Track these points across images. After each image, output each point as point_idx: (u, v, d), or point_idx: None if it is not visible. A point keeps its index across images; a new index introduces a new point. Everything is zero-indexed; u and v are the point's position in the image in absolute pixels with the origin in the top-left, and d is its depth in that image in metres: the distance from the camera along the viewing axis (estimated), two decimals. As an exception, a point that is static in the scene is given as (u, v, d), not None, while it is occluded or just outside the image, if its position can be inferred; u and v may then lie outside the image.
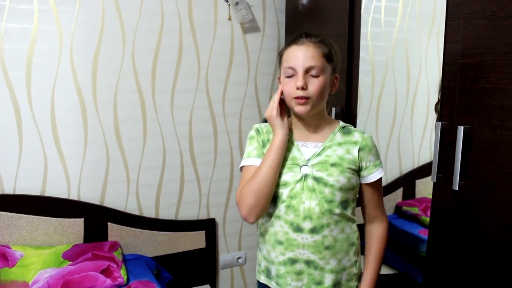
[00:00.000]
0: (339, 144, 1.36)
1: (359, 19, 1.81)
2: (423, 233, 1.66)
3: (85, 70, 2.02)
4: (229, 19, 2.29)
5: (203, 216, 2.41)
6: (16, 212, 1.91)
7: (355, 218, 1.41)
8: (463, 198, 1.37)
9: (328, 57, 1.31)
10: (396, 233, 2.11)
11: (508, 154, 1.24)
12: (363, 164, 1.36)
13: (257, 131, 1.45)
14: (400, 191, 2.25)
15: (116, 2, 2.04)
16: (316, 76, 1.29)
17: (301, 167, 1.35)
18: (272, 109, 1.35)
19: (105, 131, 2.10)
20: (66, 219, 2.01)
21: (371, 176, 1.37)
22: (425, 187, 1.71)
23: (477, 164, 1.32)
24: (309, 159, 1.35)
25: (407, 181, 2.23)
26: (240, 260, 2.55)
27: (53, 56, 1.96)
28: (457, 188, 1.36)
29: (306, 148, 1.38)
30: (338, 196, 1.33)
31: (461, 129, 1.33)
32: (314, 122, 1.38)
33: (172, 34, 2.18)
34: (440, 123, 1.41)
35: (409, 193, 2.25)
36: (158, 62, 2.17)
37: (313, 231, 1.33)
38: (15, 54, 1.90)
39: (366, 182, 1.39)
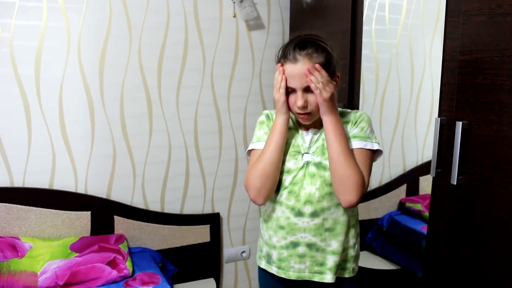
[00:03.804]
0: None
1: (361, 16, 1.83)
2: (426, 229, 1.67)
3: (92, 67, 2.06)
4: (234, 16, 2.32)
5: (207, 210, 2.44)
6: (25, 205, 1.96)
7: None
8: (462, 193, 1.39)
9: (325, 66, 1.29)
10: (399, 229, 2.13)
11: (505, 149, 1.26)
12: (349, 131, 1.38)
13: (267, 116, 1.48)
14: (403, 188, 2.26)
15: (123, -1, 2.08)
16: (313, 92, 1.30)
17: (303, 154, 1.38)
18: (276, 91, 1.36)
19: (112, 127, 2.14)
20: (74, 212, 2.05)
21: (351, 143, 1.36)
22: (428, 184, 1.71)
23: (475, 159, 1.34)
24: (309, 147, 1.38)
25: (410, 178, 2.24)
26: (244, 254, 2.59)
27: (61, 52, 2.00)
28: (455, 183, 1.38)
29: (307, 135, 1.40)
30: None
31: (459, 125, 1.35)
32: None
33: (178, 31, 2.22)
34: (439, 118, 1.43)
35: (413, 190, 2.26)
36: (164, 59, 2.21)
37: (314, 214, 1.36)
38: (24, 50, 1.94)
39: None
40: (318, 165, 1.36)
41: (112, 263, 1.85)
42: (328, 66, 1.30)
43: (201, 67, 2.30)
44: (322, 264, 1.39)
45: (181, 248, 2.34)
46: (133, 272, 1.88)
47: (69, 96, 2.04)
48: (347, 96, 1.89)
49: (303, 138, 1.40)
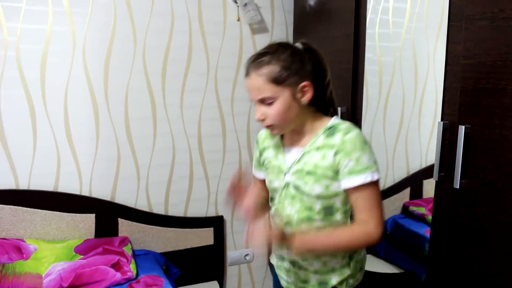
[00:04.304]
0: (318, 148, 1.27)
1: (364, 20, 1.84)
2: (429, 233, 1.67)
3: (97, 70, 2.08)
4: (238, 20, 2.33)
5: (211, 213, 2.45)
6: (30, 207, 1.97)
7: (347, 221, 1.31)
8: (464, 197, 1.39)
9: (276, 80, 1.21)
10: (403, 233, 2.13)
11: (507, 153, 1.26)
12: (339, 168, 1.23)
13: (257, 141, 1.48)
14: (407, 191, 2.26)
15: (128, 3, 2.09)
16: (270, 104, 1.23)
17: (285, 174, 1.33)
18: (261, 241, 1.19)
19: (116, 129, 2.15)
20: (78, 215, 2.07)
21: (344, 181, 1.23)
22: (432, 187, 1.71)
23: (477, 163, 1.34)
24: (290, 166, 1.31)
25: (414, 181, 2.24)
26: (247, 257, 2.59)
27: (67, 56, 2.02)
28: (458, 187, 1.38)
29: (290, 154, 1.34)
30: (318, 204, 1.27)
31: (462, 129, 1.35)
32: (300, 128, 1.32)
33: (182, 34, 2.23)
34: (442, 122, 1.43)
35: (417, 193, 2.26)
36: (168, 62, 2.22)
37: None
38: (30, 54, 1.96)
39: (343, 188, 1.24)
40: (298, 188, 1.29)
41: (116, 266, 1.86)
42: (281, 79, 1.21)
43: (205, 70, 2.31)
44: (305, 281, 1.37)
45: (184, 251, 2.34)
46: (137, 274, 1.89)
47: (74, 99, 2.05)
48: (350, 99, 1.89)
49: (284, 157, 1.35)
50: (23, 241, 1.92)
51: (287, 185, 1.32)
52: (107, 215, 2.14)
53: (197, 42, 2.27)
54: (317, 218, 1.28)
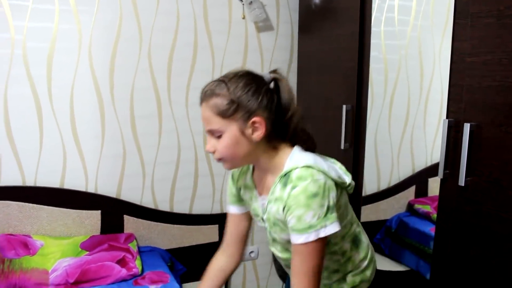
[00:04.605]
0: (275, 200, 1.19)
1: (369, 18, 1.83)
2: (434, 231, 1.67)
3: (103, 68, 2.09)
4: (243, 18, 2.33)
5: (216, 210, 2.46)
6: (36, 203, 1.99)
7: (335, 248, 1.27)
8: (469, 194, 1.39)
9: (223, 113, 1.13)
10: (408, 231, 2.13)
11: (512, 151, 1.26)
12: (287, 223, 1.15)
13: (232, 177, 1.40)
14: (412, 189, 2.26)
15: (134, 2, 2.10)
16: (219, 137, 1.16)
17: (262, 218, 1.29)
18: None
19: (122, 127, 2.16)
20: (84, 211, 2.08)
21: (291, 236, 1.14)
22: (437, 186, 1.71)
23: (483, 161, 1.34)
24: (263, 211, 1.28)
25: (419, 179, 2.24)
26: (252, 255, 2.60)
27: (73, 54, 2.03)
28: (463, 184, 1.38)
29: (260, 199, 1.29)
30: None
31: (467, 126, 1.35)
32: (260, 165, 1.25)
33: (187, 33, 2.23)
34: (447, 120, 1.43)
35: (422, 191, 2.26)
36: (173, 60, 2.22)
37: (287, 266, 1.35)
38: (37, 52, 1.97)
39: (292, 243, 1.16)
40: (271, 233, 1.28)
41: (121, 262, 1.87)
42: (228, 113, 1.13)
43: (210, 68, 2.31)
44: None
45: (190, 248, 2.35)
46: (142, 270, 1.90)
47: (80, 97, 2.07)
48: (355, 98, 1.89)
49: (257, 201, 1.31)
50: (30, 237, 1.94)
51: (266, 229, 1.30)
52: (113, 212, 2.15)
53: (203, 41, 2.27)
54: None
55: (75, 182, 2.10)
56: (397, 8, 2.15)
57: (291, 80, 2.48)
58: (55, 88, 2.02)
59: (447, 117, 1.46)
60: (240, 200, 1.39)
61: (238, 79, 1.16)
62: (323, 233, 1.10)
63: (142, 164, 2.24)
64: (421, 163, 2.25)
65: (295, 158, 1.18)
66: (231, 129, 1.14)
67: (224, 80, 1.16)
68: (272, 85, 1.21)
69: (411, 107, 2.21)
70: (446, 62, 1.49)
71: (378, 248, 2.25)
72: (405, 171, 2.26)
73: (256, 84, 1.16)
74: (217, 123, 1.14)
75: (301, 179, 1.11)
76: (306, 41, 2.36)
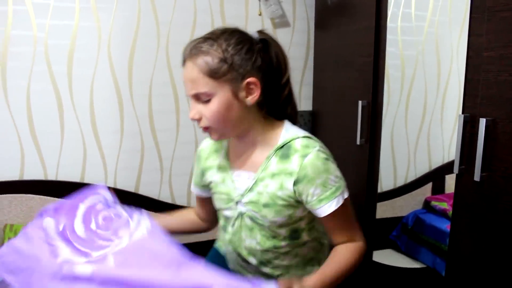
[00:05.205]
0: (273, 175, 1.08)
1: (385, 13, 1.83)
2: (450, 227, 1.67)
3: (122, 64, 2.13)
4: (260, 14, 2.34)
5: (232, 205, 2.48)
6: (58, 197, 2.03)
7: (316, 234, 1.22)
8: (485, 190, 1.38)
9: (214, 73, 1.01)
10: (424, 228, 2.12)
11: (529, 146, 1.25)
12: (304, 198, 1.07)
13: (198, 156, 1.26)
14: (429, 186, 2.25)
15: (152, -1, 2.14)
16: (207, 101, 1.03)
17: (237, 202, 1.15)
18: None
19: (140, 122, 2.20)
20: (103, 205, 2.12)
21: (317, 211, 1.07)
22: (454, 182, 1.71)
23: (498, 156, 1.33)
24: (243, 194, 1.13)
25: (436, 176, 2.23)
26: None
27: (93, 50, 2.07)
28: (478, 180, 1.37)
29: (240, 178, 1.15)
30: (283, 231, 1.13)
31: (483, 121, 1.34)
32: (247, 139, 1.13)
33: (204, 29, 2.21)
34: (463, 115, 1.43)
35: (439, 188, 2.25)
36: (191, 57, 2.25)
37: (261, 263, 1.19)
38: (58, 49, 2.01)
39: (316, 216, 1.10)
40: (255, 220, 1.13)
41: (139, 254, 1.91)
42: (220, 72, 1.01)
43: (227, 64, 2.33)
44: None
45: (207, 242, 2.37)
46: (160, 263, 1.94)
47: (99, 93, 2.11)
48: (371, 94, 1.89)
49: (233, 182, 1.15)
50: (51, 229, 1.99)
51: (240, 215, 1.15)
52: (131, 206, 2.18)
53: (219, 37, 2.29)
54: (283, 244, 1.15)
55: (94, 177, 2.15)
56: (414, 3, 2.14)
57: (308, 76, 2.48)
58: (75, 84, 2.06)
59: (462, 112, 1.45)
60: (203, 184, 1.27)
61: (229, 36, 1.04)
62: (347, 194, 1.09)
63: (160, 159, 2.27)
64: (438, 160, 2.24)
65: (289, 129, 1.11)
66: (222, 92, 1.02)
67: (212, 37, 1.04)
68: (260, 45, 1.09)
69: (428, 103, 2.20)
70: (464, 58, 1.48)
71: (394, 245, 2.24)
72: (421, 168, 2.26)
73: (249, 42, 1.05)
74: (206, 84, 1.01)
75: (309, 147, 1.06)
76: (322, 37, 2.36)
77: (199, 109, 1.05)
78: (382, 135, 1.92)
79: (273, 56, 1.09)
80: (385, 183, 2.21)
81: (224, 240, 1.27)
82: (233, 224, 1.18)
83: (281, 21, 2.40)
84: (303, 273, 1.18)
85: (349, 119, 2.01)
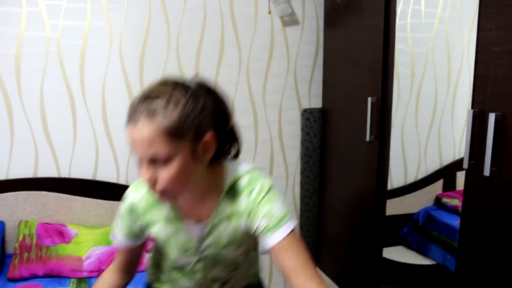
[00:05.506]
0: (228, 218, 1.07)
1: (394, 10, 1.83)
2: (460, 223, 1.66)
3: (133, 64, 2.16)
4: (269, 13, 2.36)
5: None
6: (71, 194, 2.07)
7: (256, 252, 1.26)
8: (494, 184, 1.38)
9: (175, 134, 0.90)
10: (435, 224, 2.11)
11: (538, 140, 1.24)
12: (256, 231, 1.05)
13: (131, 210, 1.13)
14: (440, 183, 2.24)
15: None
16: (163, 164, 0.92)
17: (196, 248, 1.12)
18: None
19: (151, 121, 2.22)
20: (116, 202, 2.12)
21: (268, 241, 1.03)
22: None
23: (508, 151, 1.33)
24: (201, 241, 1.10)
25: (447, 173, 2.22)
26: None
27: (104, 51, 2.10)
28: (488, 174, 1.37)
29: (194, 226, 1.10)
30: (242, 257, 1.18)
31: (492, 116, 1.34)
32: (196, 194, 1.07)
33: (214, 28, 2.28)
34: (472, 110, 1.42)
35: (450, 185, 2.24)
36: (201, 56, 2.27)
37: (225, 283, 1.22)
38: (70, 49, 2.05)
39: (267, 248, 1.04)
40: (218, 257, 1.13)
41: (151, 251, 1.93)
42: (181, 132, 0.91)
43: (237, 63, 2.35)
44: None
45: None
46: (171, 260, 1.96)
47: (111, 92, 2.14)
48: (380, 90, 1.89)
49: (187, 234, 1.10)
50: (64, 226, 2.02)
51: (200, 259, 1.14)
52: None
53: (229, 36, 2.31)
54: (241, 261, 1.19)
55: (107, 174, 2.18)
56: (424, 0, 2.14)
57: (317, 74, 2.49)
58: (87, 84, 2.10)
59: (472, 108, 1.45)
60: (138, 235, 1.16)
61: (184, 90, 0.95)
62: (293, 222, 1.04)
63: (170, 157, 2.29)
64: (449, 157, 2.23)
65: (232, 170, 1.08)
66: (182, 153, 0.93)
67: (168, 91, 0.93)
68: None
69: (438, 100, 2.19)
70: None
71: (405, 241, 2.24)
72: (432, 165, 2.25)
73: (196, 94, 0.96)
74: (166, 146, 0.90)
75: (254, 181, 1.06)
76: (331, 35, 2.37)
77: (154, 172, 0.94)
78: (392, 133, 1.92)
79: (217, 105, 1.03)
80: (396, 180, 2.21)
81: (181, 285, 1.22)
82: (193, 267, 1.15)
83: (290, 20, 2.41)
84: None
85: (358, 116, 2.02)
